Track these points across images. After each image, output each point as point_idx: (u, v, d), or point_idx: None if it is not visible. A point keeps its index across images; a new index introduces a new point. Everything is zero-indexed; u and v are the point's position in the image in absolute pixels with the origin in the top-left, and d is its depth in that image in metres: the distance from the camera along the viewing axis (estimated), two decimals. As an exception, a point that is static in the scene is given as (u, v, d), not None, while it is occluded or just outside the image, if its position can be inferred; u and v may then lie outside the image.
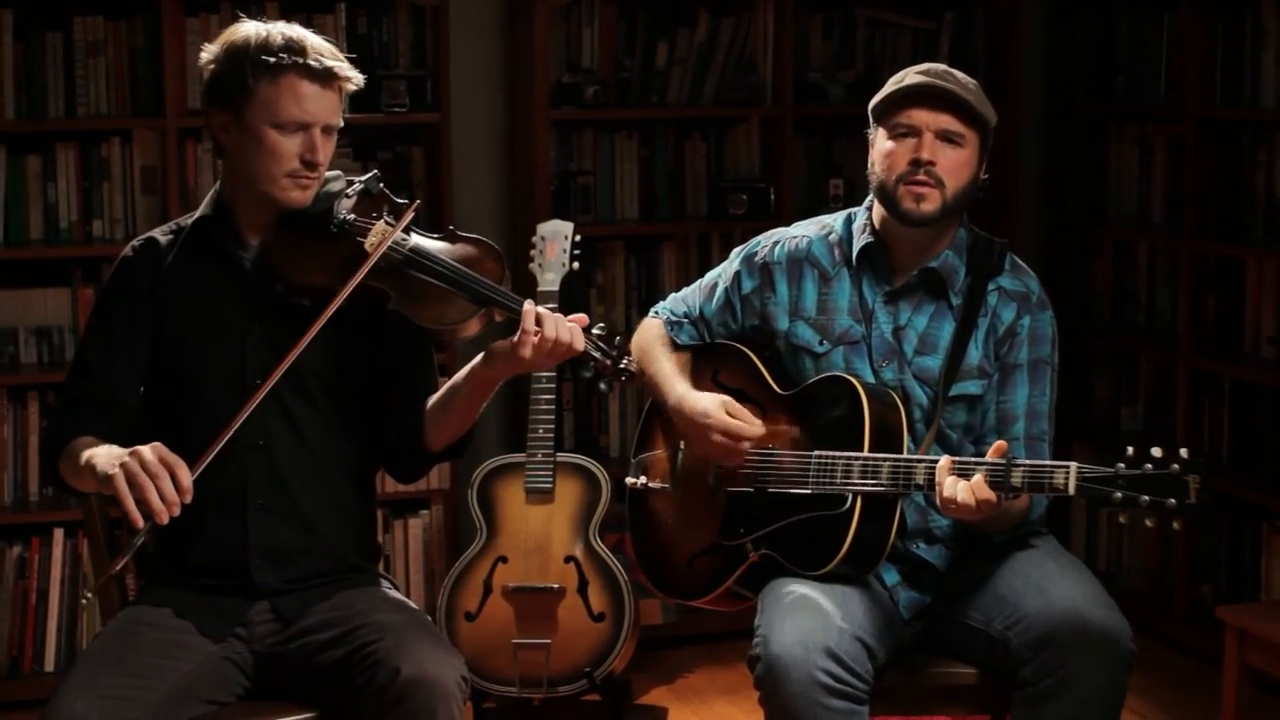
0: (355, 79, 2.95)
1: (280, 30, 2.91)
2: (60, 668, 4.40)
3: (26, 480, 4.49)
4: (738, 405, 3.21)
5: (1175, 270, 4.84)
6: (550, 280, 4.17)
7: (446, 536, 4.68)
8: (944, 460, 2.96)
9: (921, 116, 3.13)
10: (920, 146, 3.12)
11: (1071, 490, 2.86)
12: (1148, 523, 2.84)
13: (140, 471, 2.67)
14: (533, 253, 4.21)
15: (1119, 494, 2.81)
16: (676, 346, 3.39)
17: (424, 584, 4.69)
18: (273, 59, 2.87)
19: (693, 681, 4.60)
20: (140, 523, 2.66)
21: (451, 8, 4.63)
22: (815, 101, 4.89)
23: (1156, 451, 2.81)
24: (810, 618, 2.96)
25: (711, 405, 3.20)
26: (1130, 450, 2.83)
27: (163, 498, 2.66)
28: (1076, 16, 5.18)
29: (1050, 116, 5.27)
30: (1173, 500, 2.79)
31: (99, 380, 2.96)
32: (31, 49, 4.45)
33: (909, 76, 3.18)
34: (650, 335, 3.43)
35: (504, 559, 4.14)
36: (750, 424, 3.18)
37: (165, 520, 2.67)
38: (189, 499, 2.69)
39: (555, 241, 4.20)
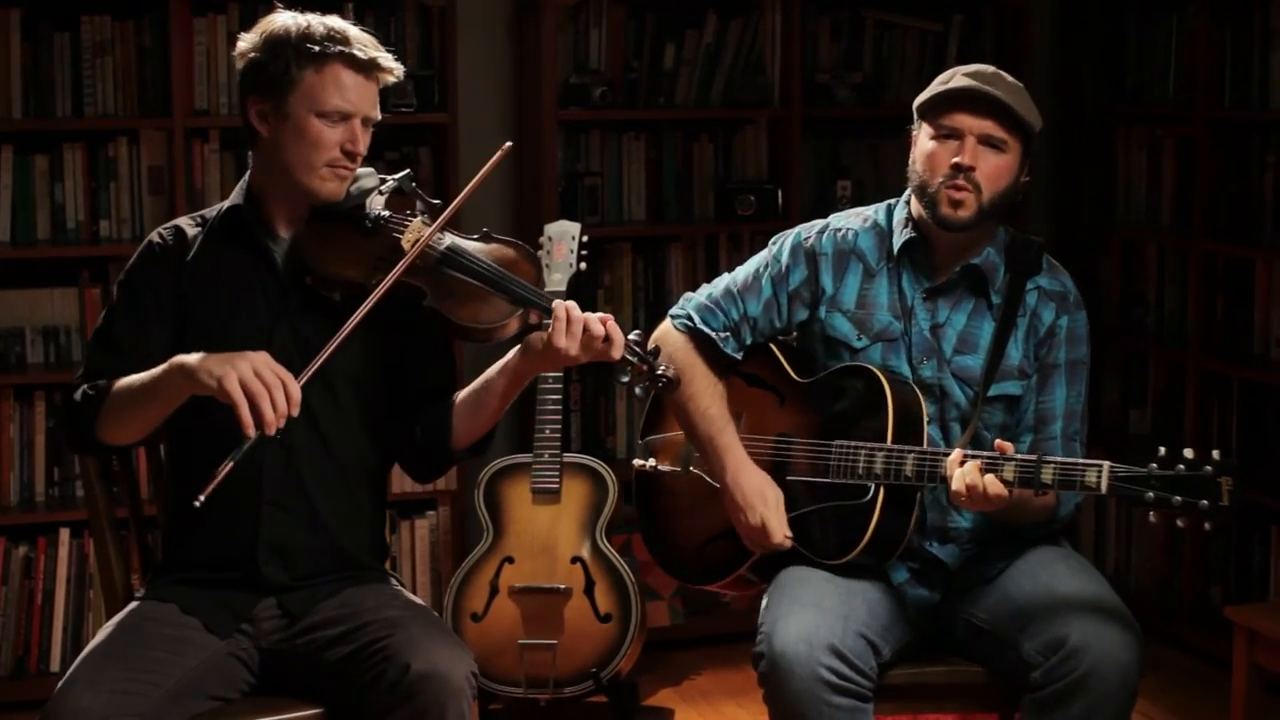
0: (396, 71, 2.95)
1: (320, 20, 2.92)
2: (66, 668, 4.39)
3: (33, 480, 4.49)
4: (783, 506, 3.14)
5: (1184, 272, 4.83)
6: (557, 281, 4.16)
7: (453, 537, 4.67)
8: (955, 454, 2.95)
9: (965, 121, 3.09)
10: (962, 150, 3.09)
11: (1104, 489, 2.86)
12: (1179, 523, 2.84)
13: (255, 379, 2.65)
14: (540, 253, 4.20)
15: (1151, 494, 2.81)
16: (724, 369, 3.27)
17: (431, 585, 4.68)
18: (317, 47, 2.87)
19: (700, 683, 4.58)
20: (252, 430, 2.65)
21: (459, 8, 4.63)
22: (823, 103, 4.89)
23: (1189, 453, 2.81)
24: (814, 614, 2.95)
25: (765, 491, 3.14)
26: (1162, 450, 2.83)
27: (275, 407, 2.65)
28: (1085, 18, 5.17)
29: (1059, 118, 5.26)
30: (1205, 501, 2.79)
31: (126, 353, 2.91)
32: (39, 49, 4.45)
33: (956, 78, 3.13)
34: (691, 359, 3.25)
35: (510, 560, 4.14)
36: (781, 528, 3.12)
37: (273, 432, 2.65)
38: (296, 411, 2.68)
39: (562, 242, 4.20)
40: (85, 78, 4.48)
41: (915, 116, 3.19)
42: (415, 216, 2.94)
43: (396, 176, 3.01)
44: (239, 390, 2.65)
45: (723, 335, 3.26)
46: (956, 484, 2.92)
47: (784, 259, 3.26)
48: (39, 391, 4.47)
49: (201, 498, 2.68)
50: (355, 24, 2.97)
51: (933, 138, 3.13)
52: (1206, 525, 2.83)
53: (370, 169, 3.01)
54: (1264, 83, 4.58)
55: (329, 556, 2.98)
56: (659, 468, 3.35)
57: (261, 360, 2.69)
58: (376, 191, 2.98)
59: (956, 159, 3.08)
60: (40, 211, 4.51)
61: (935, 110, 3.13)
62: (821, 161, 5.03)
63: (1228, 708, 3.69)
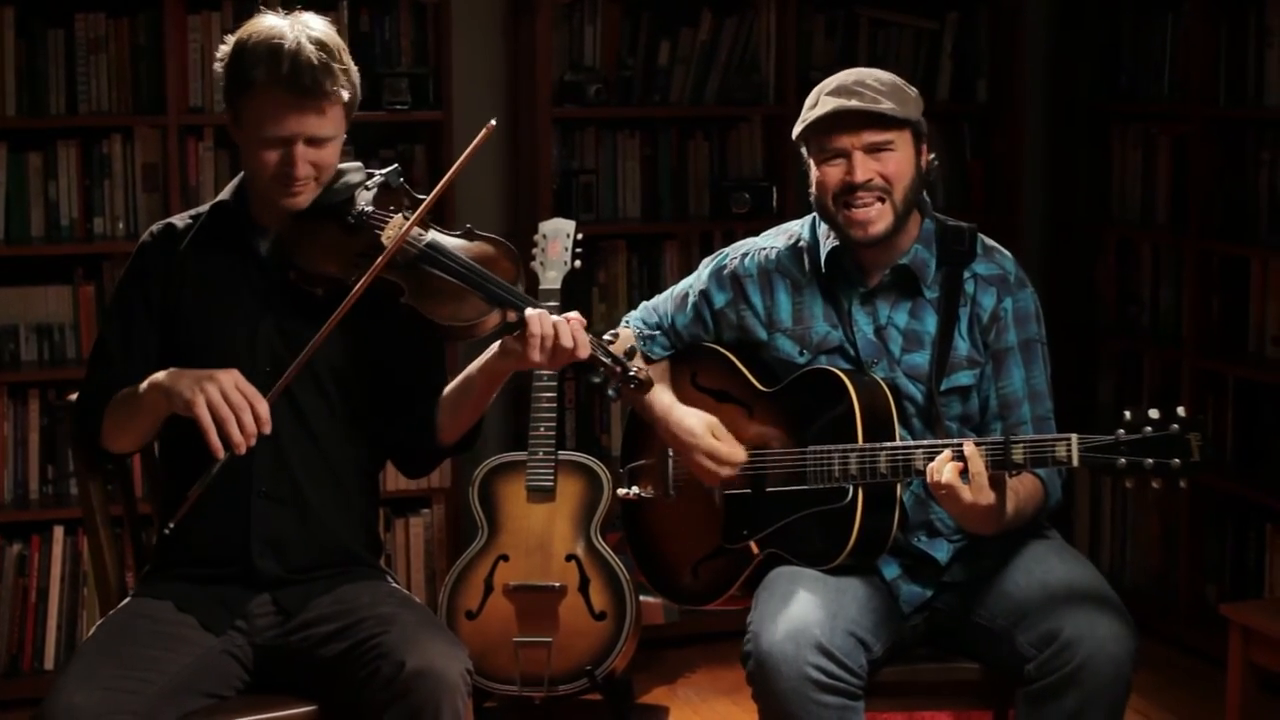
0: (340, 96, 2.89)
1: (277, 35, 2.86)
2: (60, 666, 4.39)
3: (27, 478, 4.48)
4: (723, 429, 3.20)
5: (1179, 270, 4.83)
6: (552, 278, 4.16)
7: (448, 535, 4.67)
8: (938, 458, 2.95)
9: (843, 140, 3.09)
10: (852, 169, 3.09)
11: (1075, 461, 2.85)
12: (1154, 484, 2.82)
13: (222, 402, 2.71)
14: (534, 251, 4.20)
15: (1123, 460, 2.81)
16: (649, 360, 3.36)
17: (425, 583, 4.68)
18: (252, 73, 2.86)
19: (694, 681, 4.58)
20: (221, 453, 2.71)
21: (454, 5, 4.63)
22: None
23: (1154, 413, 2.81)
24: (801, 613, 2.95)
25: (698, 426, 3.20)
26: (1128, 415, 2.83)
27: (242, 429, 2.71)
28: (1081, 16, 5.17)
29: (1054, 116, 5.27)
30: (1177, 460, 2.79)
31: (119, 366, 2.96)
32: (33, 46, 4.45)
33: (820, 101, 3.13)
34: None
35: (505, 557, 4.13)
36: (734, 450, 3.18)
37: (243, 452, 2.72)
38: (268, 429, 2.74)
39: (557, 240, 4.19)
40: (79, 75, 4.47)
41: (801, 147, 3.20)
42: (398, 212, 2.94)
43: (383, 171, 3.02)
44: (207, 414, 2.71)
45: (649, 335, 3.35)
46: (932, 477, 2.91)
47: (705, 282, 3.33)
48: (33, 389, 4.46)
49: (172, 524, 2.79)
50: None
51: (820, 163, 3.14)
52: (1182, 483, 2.82)
53: (359, 164, 3.02)
54: (1259, 81, 4.58)
55: (322, 550, 2.99)
56: (643, 495, 3.35)
57: (229, 381, 2.74)
58: (363, 186, 2.98)
59: (847, 177, 3.08)
60: (34, 209, 4.50)
61: (813, 138, 3.14)
62: (816, 159, 5.02)
63: (1223, 705, 3.69)
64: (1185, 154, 4.77)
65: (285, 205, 2.93)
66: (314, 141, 2.89)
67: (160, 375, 2.81)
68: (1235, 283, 4.67)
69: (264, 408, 2.74)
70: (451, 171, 2.91)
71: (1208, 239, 4.67)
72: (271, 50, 2.85)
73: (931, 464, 2.92)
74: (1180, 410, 2.81)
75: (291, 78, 2.84)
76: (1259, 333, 4.61)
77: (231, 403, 2.72)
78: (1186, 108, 4.72)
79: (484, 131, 2.87)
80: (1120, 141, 5.09)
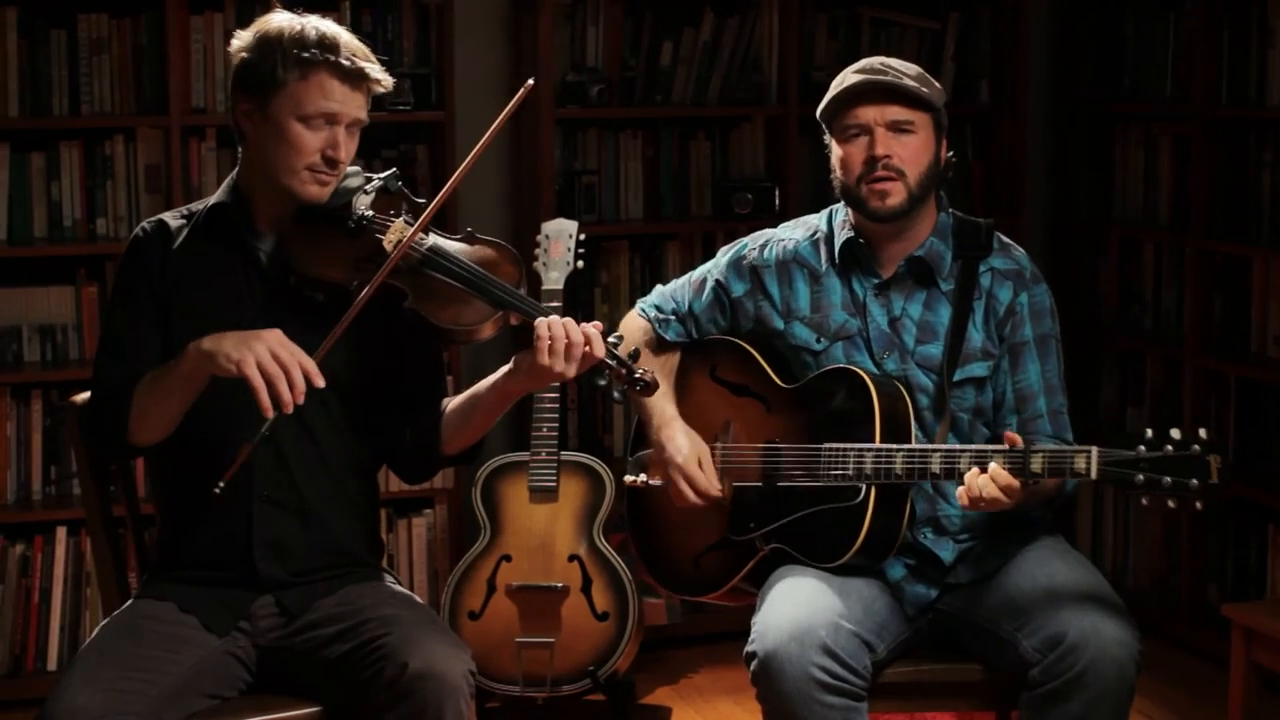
0: (385, 82, 2.95)
1: (314, 24, 2.91)
2: (63, 666, 4.39)
3: (30, 479, 4.48)
4: (710, 463, 3.22)
5: (1181, 270, 4.83)
6: (554, 279, 4.16)
7: (450, 535, 4.67)
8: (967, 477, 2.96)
9: (867, 113, 3.15)
10: (873, 144, 3.14)
11: (1094, 475, 2.86)
12: (1170, 504, 2.83)
13: (271, 361, 2.71)
14: (537, 251, 4.20)
15: (1141, 477, 2.82)
16: (663, 344, 3.38)
17: (428, 583, 4.68)
18: (305, 54, 2.86)
19: (697, 682, 4.58)
20: (270, 412, 2.70)
21: (456, 6, 4.62)
22: (820, 100, 4.87)
23: (1175, 433, 2.82)
24: (806, 614, 2.95)
25: (686, 448, 3.22)
26: (1149, 433, 2.83)
27: (292, 387, 2.71)
28: (1082, 15, 5.17)
29: (1056, 116, 5.27)
30: (1195, 481, 2.79)
31: (133, 360, 2.93)
32: (36, 46, 4.45)
33: (848, 77, 3.20)
34: (635, 334, 3.39)
35: (508, 558, 4.13)
36: (712, 484, 3.20)
37: (290, 410, 2.71)
38: (321, 383, 2.74)
39: (559, 240, 4.19)
40: (82, 76, 4.47)
41: (823, 128, 3.25)
42: (399, 217, 2.94)
43: (382, 175, 3.01)
44: (257, 373, 2.70)
45: (664, 319, 3.38)
46: (975, 491, 2.92)
47: (724, 271, 3.36)
48: (36, 390, 4.46)
49: (222, 484, 2.75)
50: (351, 24, 2.97)
51: (842, 141, 3.20)
52: (1198, 505, 2.82)
53: (356, 168, 3.01)
54: (1261, 81, 4.58)
55: (324, 552, 2.99)
56: (650, 483, 3.35)
57: (276, 340, 2.74)
58: (361, 191, 2.97)
59: (870, 153, 3.14)
60: (37, 209, 4.50)
61: (837, 113, 3.20)
62: (819, 159, 4.98)
63: (1226, 706, 3.69)
64: (1187, 154, 4.77)
65: (308, 195, 2.91)
66: (351, 127, 2.92)
67: (199, 341, 2.78)
68: (1237, 282, 4.67)
69: (312, 365, 2.73)
70: (484, 139, 2.87)
71: (1210, 239, 4.67)
72: (321, 34, 2.89)
73: (961, 489, 2.94)
74: (1202, 432, 2.81)
75: (349, 60, 2.88)
76: (1261, 332, 4.62)
77: (281, 360, 2.71)
78: (1188, 108, 4.72)
79: (522, 90, 2.87)
80: (1122, 141, 5.09)
